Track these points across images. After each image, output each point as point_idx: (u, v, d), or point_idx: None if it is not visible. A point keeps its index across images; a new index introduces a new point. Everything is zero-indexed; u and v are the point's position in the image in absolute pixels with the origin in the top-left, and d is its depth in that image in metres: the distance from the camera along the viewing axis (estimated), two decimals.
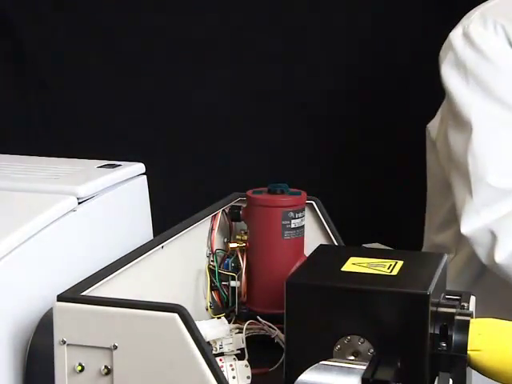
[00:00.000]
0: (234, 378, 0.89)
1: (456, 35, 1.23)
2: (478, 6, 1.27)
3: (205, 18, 1.91)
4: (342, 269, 0.83)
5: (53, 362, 0.75)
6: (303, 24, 1.86)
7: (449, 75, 1.23)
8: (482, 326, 0.82)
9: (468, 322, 0.81)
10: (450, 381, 0.80)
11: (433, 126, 1.41)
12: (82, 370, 0.74)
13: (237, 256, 1.04)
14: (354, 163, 1.91)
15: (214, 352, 0.90)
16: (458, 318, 0.82)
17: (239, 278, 1.03)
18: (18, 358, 0.83)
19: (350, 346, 0.78)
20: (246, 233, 1.04)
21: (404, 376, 0.76)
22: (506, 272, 1.17)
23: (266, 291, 1.00)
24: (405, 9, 1.82)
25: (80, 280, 0.78)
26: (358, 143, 1.91)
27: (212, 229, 1.05)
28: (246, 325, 0.95)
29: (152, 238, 1.05)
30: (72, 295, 0.75)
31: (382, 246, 1.47)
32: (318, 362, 0.75)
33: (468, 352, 0.80)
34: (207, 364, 0.71)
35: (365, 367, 0.74)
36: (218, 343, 0.91)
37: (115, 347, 0.73)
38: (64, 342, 0.74)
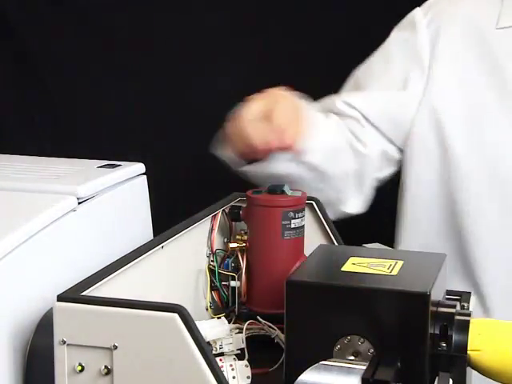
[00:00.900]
0: (234, 378, 0.89)
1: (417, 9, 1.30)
2: None
3: (205, 19, 1.91)
4: (342, 269, 0.83)
5: (53, 362, 0.75)
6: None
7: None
8: (481, 326, 0.82)
9: (468, 322, 0.81)
10: (450, 381, 0.80)
11: None
12: (82, 370, 0.74)
13: (237, 256, 1.04)
14: None
15: (214, 352, 0.90)
16: (457, 317, 0.82)
17: (239, 278, 1.03)
18: (18, 358, 0.83)
19: (350, 346, 0.78)
20: (245, 233, 1.04)
21: (404, 376, 0.76)
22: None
23: (265, 291, 1.00)
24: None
25: (80, 280, 0.78)
26: None
27: (212, 229, 1.05)
28: (246, 325, 0.95)
29: (152, 237, 1.05)
30: (72, 295, 0.75)
31: (382, 246, 1.47)
32: (317, 362, 0.75)
33: (468, 352, 0.80)
34: (207, 364, 0.71)
35: (365, 367, 0.74)
36: (218, 343, 0.91)
37: (115, 347, 0.73)
38: (64, 342, 0.74)
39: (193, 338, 0.71)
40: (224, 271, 1.04)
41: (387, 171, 1.29)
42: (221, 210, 1.05)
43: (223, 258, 1.05)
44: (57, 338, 0.74)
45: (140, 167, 1.13)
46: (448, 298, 0.90)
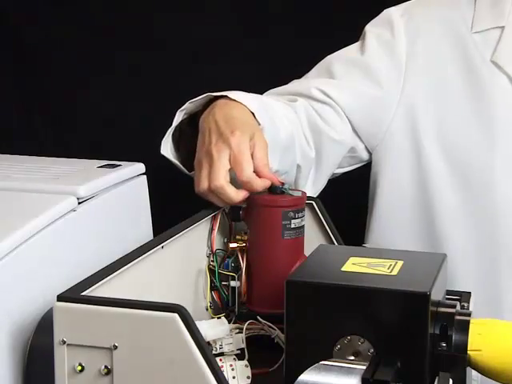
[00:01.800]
0: (234, 378, 0.89)
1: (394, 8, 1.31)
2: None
3: (204, 19, 1.91)
4: (342, 269, 0.83)
5: (53, 362, 0.75)
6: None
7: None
8: (482, 326, 0.82)
9: (468, 322, 0.81)
10: (450, 381, 0.80)
11: None
12: (81, 370, 0.74)
13: (237, 256, 1.04)
14: None
15: (213, 352, 0.90)
16: (457, 317, 0.82)
17: (239, 278, 1.03)
18: (18, 358, 0.83)
19: (350, 345, 0.78)
20: (246, 233, 1.04)
21: (404, 376, 0.76)
22: None
23: (265, 291, 1.00)
24: None
25: (80, 280, 0.78)
26: None
27: (212, 229, 1.05)
28: (246, 325, 0.95)
29: (152, 237, 1.05)
30: (72, 295, 0.75)
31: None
32: (317, 362, 0.75)
33: (468, 352, 0.80)
34: (207, 364, 0.71)
35: (365, 367, 0.74)
36: (218, 343, 0.91)
37: (115, 347, 0.73)
38: (64, 342, 0.74)
39: (193, 338, 0.71)
40: (224, 271, 1.03)
41: (346, 167, 1.31)
42: (221, 210, 1.05)
43: (223, 258, 1.05)
44: (57, 338, 0.74)
45: (140, 167, 1.13)
46: (448, 298, 0.90)
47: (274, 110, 1.15)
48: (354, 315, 0.78)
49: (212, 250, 1.04)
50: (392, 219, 1.28)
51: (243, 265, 1.03)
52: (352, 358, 0.78)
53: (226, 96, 1.07)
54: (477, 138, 1.21)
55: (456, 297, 0.94)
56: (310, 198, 1.08)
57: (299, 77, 1.31)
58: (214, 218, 1.05)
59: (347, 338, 0.78)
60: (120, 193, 1.06)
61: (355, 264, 0.84)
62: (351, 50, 1.30)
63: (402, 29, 1.26)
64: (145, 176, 1.13)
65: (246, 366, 0.90)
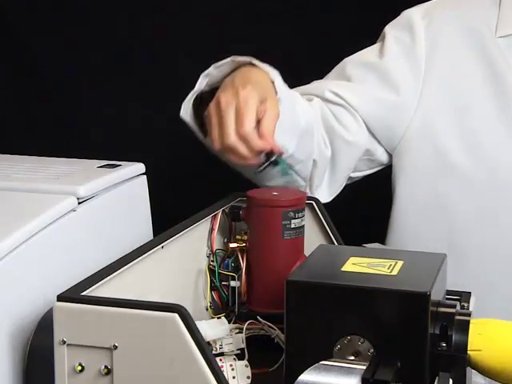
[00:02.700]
0: (234, 378, 0.89)
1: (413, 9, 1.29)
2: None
3: (205, 18, 1.91)
4: (342, 269, 0.83)
5: (53, 362, 0.75)
6: None
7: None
8: (482, 326, 0.82)
9: (468, 322, 0.81)
10: (450, 381, 0.80)
11: None
12: (81, 370, 0.74)
13: (237, 256, 1.04)
14: None
15: (214, 352, 0.90)
16: (457, 317, 0.82)
17: (239, 278, 1.03)
18: (18, 358, 0.83)
19: (350, 345, 0.78)
20: (246, 233, 1.04)
21: (404, 376, 0.76)
22: None
23: (265, 291, 1.00)
24: None
25: (80, 280, 0.78)
26: None
27: (212, 229, 1.05)
28: (246, 325, 0.95)
29: (152, 238, 1.05)
30: (72, 295, 0.75)
31: (382, 246, 1.47)
32: (317, 362, 0.75)
33: (468, 352, 0.80)
34: (207, 364, 0.71)
35: (365, 367, 0.74)
36: (218, 343, 0.91)
37: (115, 347, 0.73)
38: (64, 342, 0.74)
39: (193, 338, 0.71)
40: (224, 271, 1.04)
41: (365, 170, 1.30)
42: (221, 210, 1.05)
43: (223, 258, 1.05)
44: (57, 338, 0.74)
45: (140, 167, 1.13)
46: (448, 298, 0.90)
47: (295, 96, 1.15)
48: (354, 315, 0.78)
49: (212, 250, 1.04)
50: (413, 218, 1.27)
51: (243, 265, 1.03)
52: (352, 358, 0.78)
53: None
54: (504, 144, 1.19)
55: (456, 297, 0.93)
56: (310, 197, 1.08)
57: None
58: (213, 218, 1.05)
59: (347, 338, 0.78)
60: (120, 193, 1.06)
61: (355, 264, 0.84)
62: (370, 52, 1.28)
63: (423, 32, 1.24)
64: (145, 176, 1.13)
65: (246, 365, 0.90)
